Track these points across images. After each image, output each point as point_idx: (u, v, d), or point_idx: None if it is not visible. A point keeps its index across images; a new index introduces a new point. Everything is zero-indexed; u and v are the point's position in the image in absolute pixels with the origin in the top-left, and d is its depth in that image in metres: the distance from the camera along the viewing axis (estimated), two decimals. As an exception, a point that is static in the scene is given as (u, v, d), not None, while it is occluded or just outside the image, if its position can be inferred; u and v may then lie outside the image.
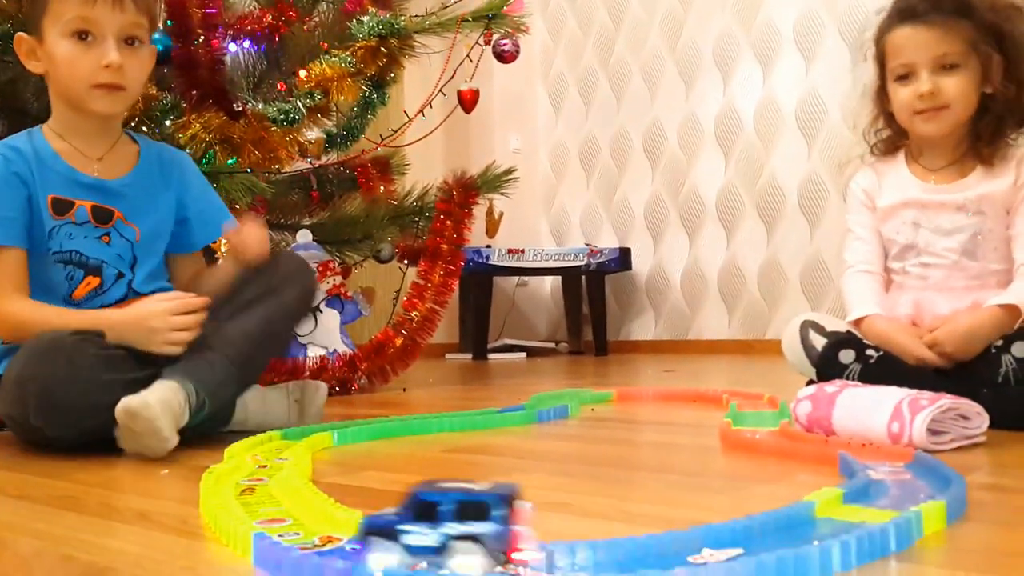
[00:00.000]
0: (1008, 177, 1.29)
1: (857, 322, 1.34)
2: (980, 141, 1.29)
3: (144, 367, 1.20)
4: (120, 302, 1.33)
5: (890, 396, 1.07)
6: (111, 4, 1.23)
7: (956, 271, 1.31)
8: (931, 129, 1.29)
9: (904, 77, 1.29)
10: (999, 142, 1.29)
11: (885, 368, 1.25)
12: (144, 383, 1.16)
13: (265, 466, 0.95)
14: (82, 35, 1.23)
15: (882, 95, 1.36)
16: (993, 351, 1.22)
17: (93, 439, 1.15)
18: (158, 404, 1.09)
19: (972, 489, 0.78)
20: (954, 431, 1.05)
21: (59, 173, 1.29)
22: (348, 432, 1.22)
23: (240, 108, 1.88)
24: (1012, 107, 1.28)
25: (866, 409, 1.08)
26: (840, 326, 1.38)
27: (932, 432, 1.02)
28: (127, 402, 1.09)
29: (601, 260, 3.96)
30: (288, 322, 1.38)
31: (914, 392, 1.07)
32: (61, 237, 1.28)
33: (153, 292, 1.33)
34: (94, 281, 1.31)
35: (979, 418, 1.06)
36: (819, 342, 1.35)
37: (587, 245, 4.10)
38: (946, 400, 1.04)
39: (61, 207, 1.28)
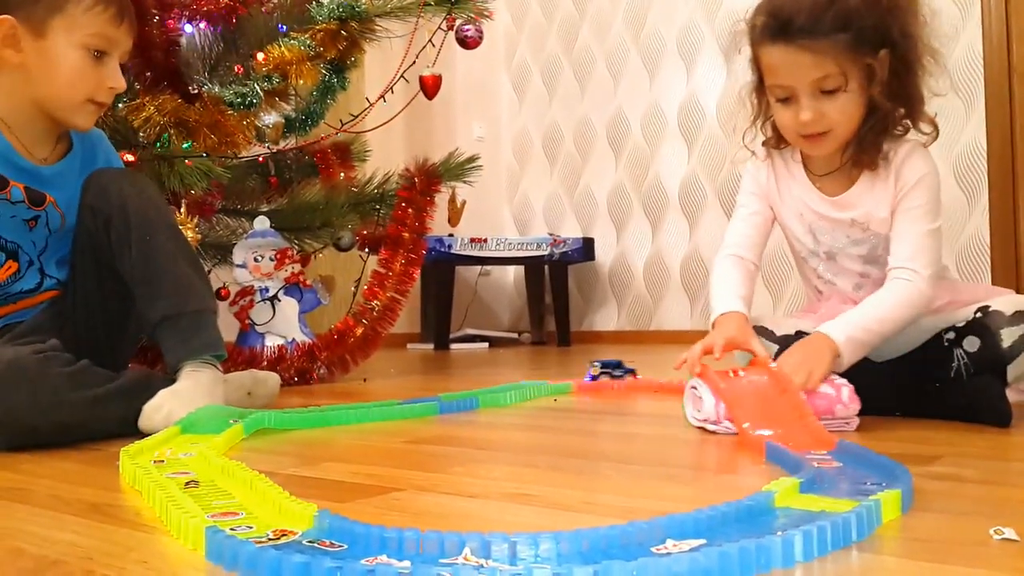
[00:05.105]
0: (888, 189, 1.24)
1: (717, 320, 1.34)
2: (861, 149, 1.23)
3: (109, 379, 1.19)
4: (36, 289, 1.31)
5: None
6: (127, 28, 1.28)
7: (864, 279, 1.31)
8: (817, 151, 1.25)
9: (785, 99, 1.21)
10: (878, 148, 1.23)
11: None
12: (110, 398, 1.16)
13: (163, 461, 0.92)
14: (98, 53, 1.24)
15: (762, 95, 1.28)
16: (945, 344, 1.21)
17: None
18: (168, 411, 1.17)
19: (926, 479, 0.79)
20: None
21: None
22: (253, 420, 1.18)
23: (196, 91, 1.84)
24: (896, 104, 1.20)
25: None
26: (790, 328, 1.33)
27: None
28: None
29: (564, 250, 3.96)
30: (171, 230, 1.32)
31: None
32: None
33: (65, 278, 1.33)
34: (13, 266, 1.29)
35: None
36: (772, 349, 1.29)
37: (550, 235, 4.10)
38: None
39: None
